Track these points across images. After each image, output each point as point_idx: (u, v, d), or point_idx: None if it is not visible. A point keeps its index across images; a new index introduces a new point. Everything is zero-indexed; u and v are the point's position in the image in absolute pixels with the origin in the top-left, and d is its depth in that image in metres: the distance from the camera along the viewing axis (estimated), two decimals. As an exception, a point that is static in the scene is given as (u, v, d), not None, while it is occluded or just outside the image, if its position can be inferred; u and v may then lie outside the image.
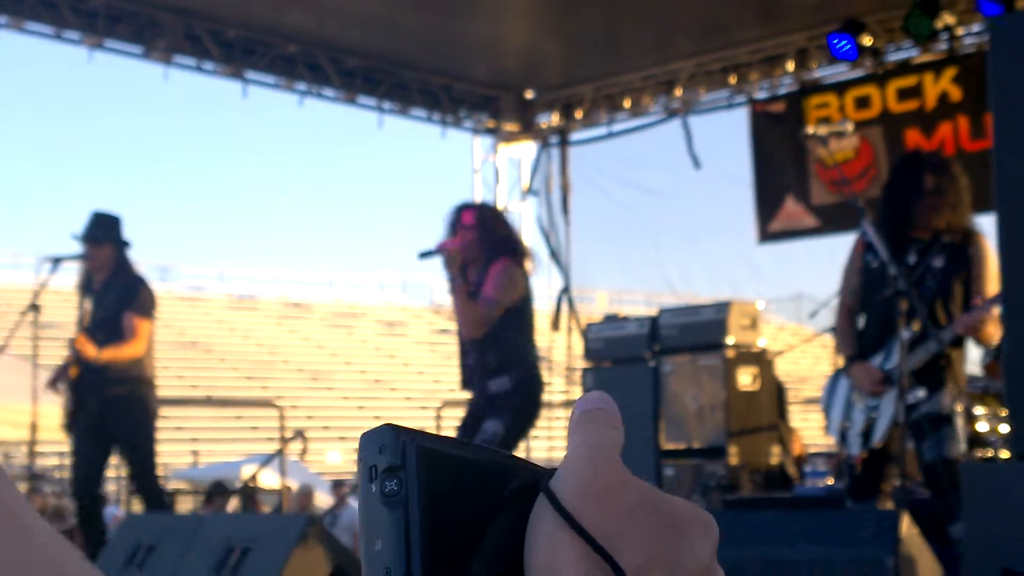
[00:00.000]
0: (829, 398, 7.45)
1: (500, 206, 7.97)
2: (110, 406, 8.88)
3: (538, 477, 0.81)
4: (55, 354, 10.34)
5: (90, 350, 8.86)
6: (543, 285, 15.76)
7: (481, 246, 7.69)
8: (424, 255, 7.75)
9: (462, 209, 7.88)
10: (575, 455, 0.80)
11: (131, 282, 9.17)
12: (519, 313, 7.78)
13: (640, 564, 0.77)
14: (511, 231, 8.09)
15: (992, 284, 6.91)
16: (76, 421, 9.01)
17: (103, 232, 9.13)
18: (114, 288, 9.07)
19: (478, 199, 15.60)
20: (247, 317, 44.73)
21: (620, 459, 0.81)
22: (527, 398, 7.78)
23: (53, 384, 9.16)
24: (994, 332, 6.88)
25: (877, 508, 6.90)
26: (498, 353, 7.70)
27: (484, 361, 7.73)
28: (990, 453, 7.53)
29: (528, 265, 7.93)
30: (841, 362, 7.60)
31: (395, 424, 0.79)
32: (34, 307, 9.70)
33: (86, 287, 9.24)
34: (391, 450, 0.78)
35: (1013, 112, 5.33)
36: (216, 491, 15.82)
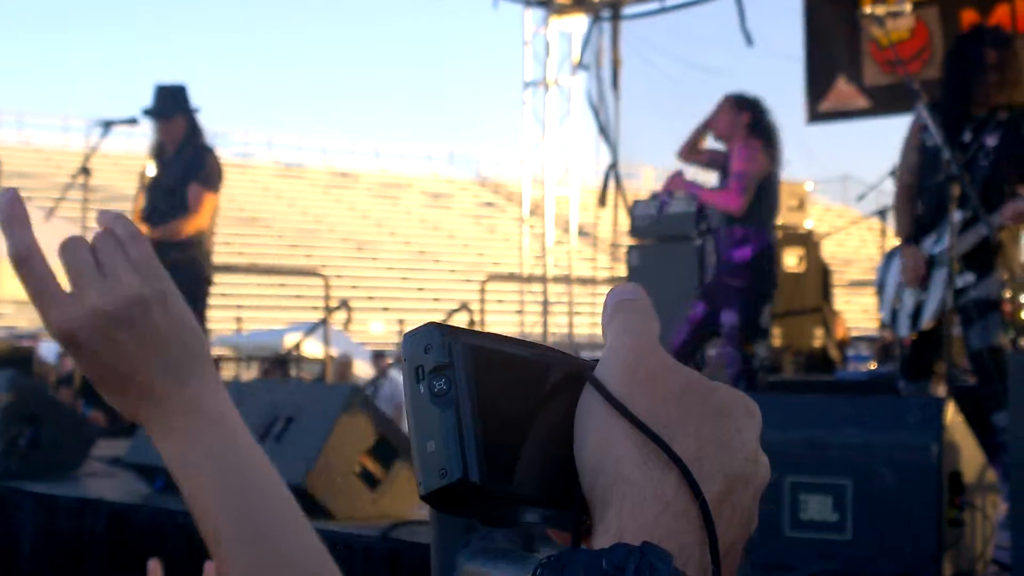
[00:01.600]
0: (883, 277, 7.36)
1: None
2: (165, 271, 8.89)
3: (581, 368, 0.81)
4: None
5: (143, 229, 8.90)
6: (591, 160, 15.72)
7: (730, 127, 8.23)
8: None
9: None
10: (617, 344, 0.80)
11: (199, 152, 9.15)
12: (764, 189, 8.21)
13: (694, 451, 0.77)
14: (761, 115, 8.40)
15: None
16: None
17: (171, 105, 9.08)
18: (182, 158, 9.05)
19: (528, 73, 15.51)
20: (294, 185, 44.77)
21: (662, 346, 0.81)
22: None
23: None
24: None
25: (924, 393, 6.86)
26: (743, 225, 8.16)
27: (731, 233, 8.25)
28: None
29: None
30: (896, 241, 7.50)
31: (438, 323, 0.78)
32: (84, 171, 9.70)
33: (158, 155, 9.21)
34: (437, 349, 0.77)
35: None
36: (275, 363, 15.90)
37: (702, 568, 0.76)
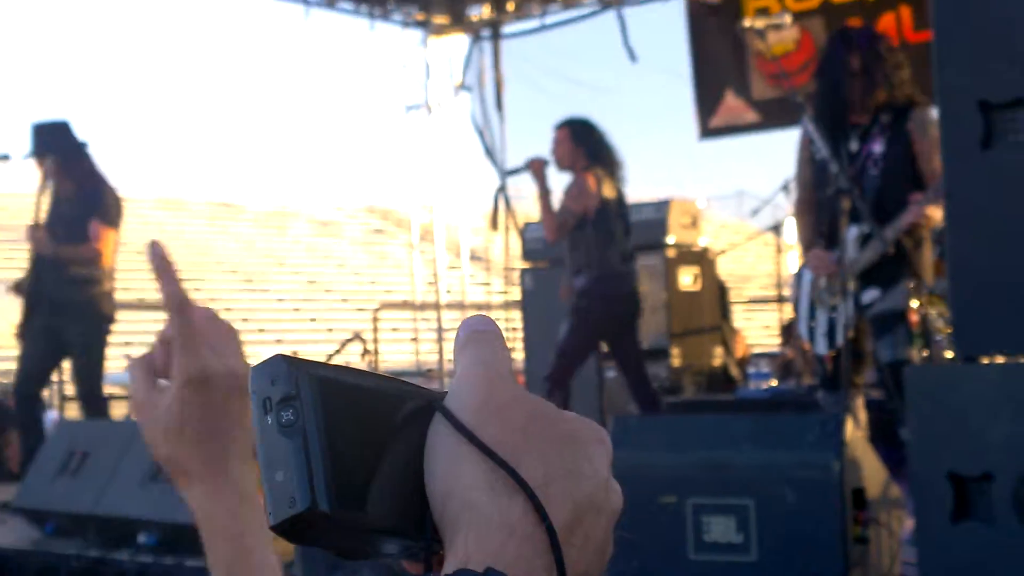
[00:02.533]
0: (796, 295, 7.27)
1: (580, 118, 8.44)
2: (64, 309, 8.67)
3: (431, 399, 0.81)
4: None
5: (47, 245, 8.63)
6: (480, 183, 15.59)
7: (570, 158, 8.31)
8: (511, 172, 8.70)
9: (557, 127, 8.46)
10: (468, 374, 0.81)
11: (95, 189, 8.86)
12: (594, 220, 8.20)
13: (542, 477, 0.78)
14: (596, 142, 8.46)
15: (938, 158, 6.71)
16: (29, 322, 8.82)
17: (43, 144, 8.81)
18: (78, 195, 8.77)
19: (411, 95, 15.37)
20: (176, 217, 44.30)
21: (512, 376, 0.82)
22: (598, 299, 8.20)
23: (17, 289, 8.92)
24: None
25: (823, 411, 6.80)
26: (575, 256, 8.24)
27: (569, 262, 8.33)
28: (938, 353, 7.40)
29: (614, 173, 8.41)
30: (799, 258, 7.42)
31: (285, 354, 0.78)
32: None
33: (52, 193, 8.92)
34: (283, 380, 0.77)
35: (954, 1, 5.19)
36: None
37: None
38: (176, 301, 1.42)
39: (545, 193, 8.35)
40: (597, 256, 8.19)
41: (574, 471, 0.79)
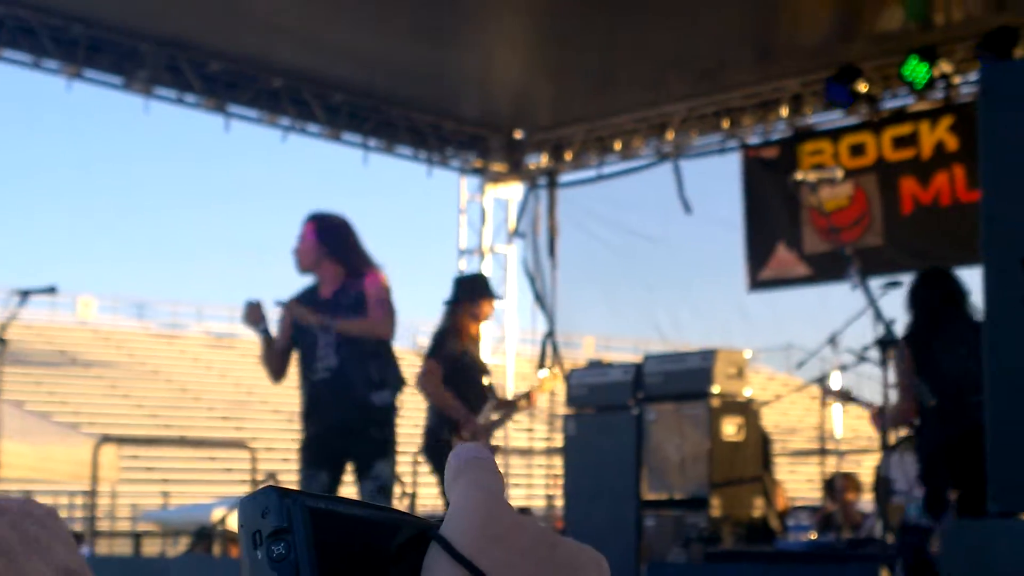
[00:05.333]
0: None
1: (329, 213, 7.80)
2: None
3: (426, 528, 0.78)
4: (20, 388, 10.15)
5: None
6: (528, 329, 15.59)
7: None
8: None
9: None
10: (466, 500, 0.78)
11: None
12: None
13: None
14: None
15: None
16: None
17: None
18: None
19: (463, 241, 15.45)
20: (224, 356, 44.51)
21: (508, 502, 0.79)
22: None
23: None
24: None
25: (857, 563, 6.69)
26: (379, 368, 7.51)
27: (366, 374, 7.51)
28: None
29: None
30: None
31: (276, 486, 0.76)
32: (1, 341, 9.47)
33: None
34: (276, 512, 0.75)
35: (1002, 161, 5.22)
36: (201, 535, 15.58)
37: None
38: None
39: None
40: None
41: None
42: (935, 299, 8.14)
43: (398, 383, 7.57)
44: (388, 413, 7.50)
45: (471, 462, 0.81)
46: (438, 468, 8.38)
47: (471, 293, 8.82)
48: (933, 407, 7.67)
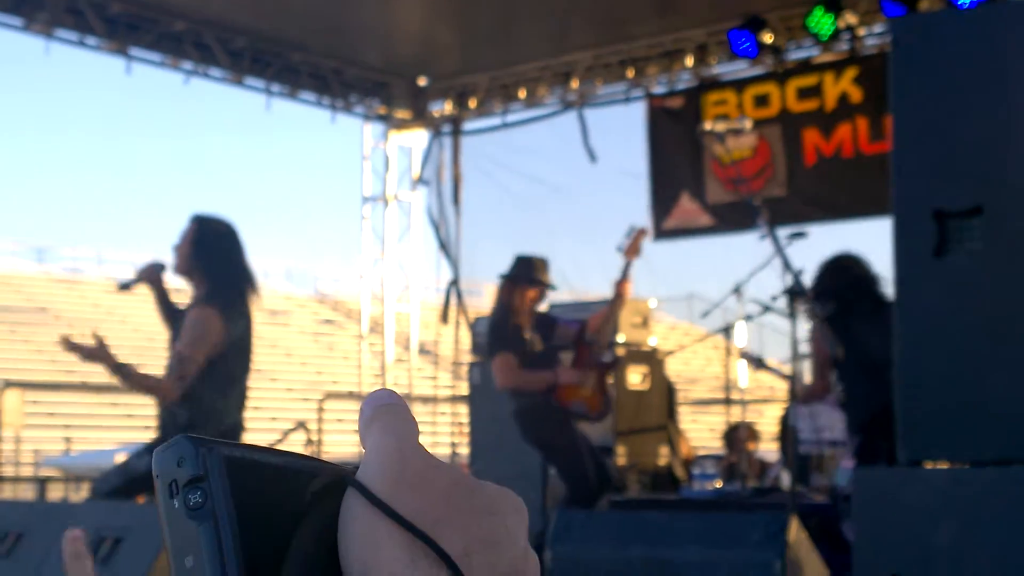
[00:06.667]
0: None
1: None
2: None
3: (343, 474, 0.79)
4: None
5: None
6: (432, 277, 15.59)
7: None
8: (125, 285, 7.35)
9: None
10: (380, 446, 0.79)
11: None
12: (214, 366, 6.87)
13: (462, 548, 0.76)
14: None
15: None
16: None
17: None
18: None
19: (367, 188, 15.39)
20: (124, 301, 44.09)
21: (424, 447, 0.80)
22: None
23: None
24: None
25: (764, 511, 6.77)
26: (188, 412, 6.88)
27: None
28: None
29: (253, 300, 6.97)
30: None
31: (191, 435, 0.76)
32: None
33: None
34: (191, 461, 0.75)
35: (912, 114, 5.29)
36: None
37: None
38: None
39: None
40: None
41: (494, 540, 0.78)
42: (845, 286, 8.11)
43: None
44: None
45: (383, 408, 0.81)
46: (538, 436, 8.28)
47: (528, 275, 8.50)
48: (857, 385, 7.68)
